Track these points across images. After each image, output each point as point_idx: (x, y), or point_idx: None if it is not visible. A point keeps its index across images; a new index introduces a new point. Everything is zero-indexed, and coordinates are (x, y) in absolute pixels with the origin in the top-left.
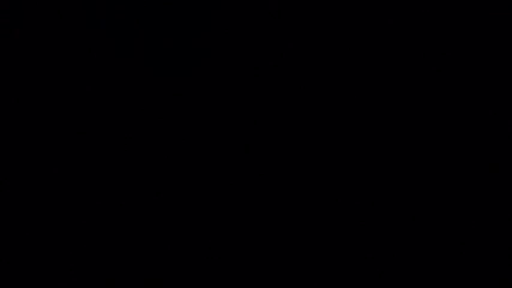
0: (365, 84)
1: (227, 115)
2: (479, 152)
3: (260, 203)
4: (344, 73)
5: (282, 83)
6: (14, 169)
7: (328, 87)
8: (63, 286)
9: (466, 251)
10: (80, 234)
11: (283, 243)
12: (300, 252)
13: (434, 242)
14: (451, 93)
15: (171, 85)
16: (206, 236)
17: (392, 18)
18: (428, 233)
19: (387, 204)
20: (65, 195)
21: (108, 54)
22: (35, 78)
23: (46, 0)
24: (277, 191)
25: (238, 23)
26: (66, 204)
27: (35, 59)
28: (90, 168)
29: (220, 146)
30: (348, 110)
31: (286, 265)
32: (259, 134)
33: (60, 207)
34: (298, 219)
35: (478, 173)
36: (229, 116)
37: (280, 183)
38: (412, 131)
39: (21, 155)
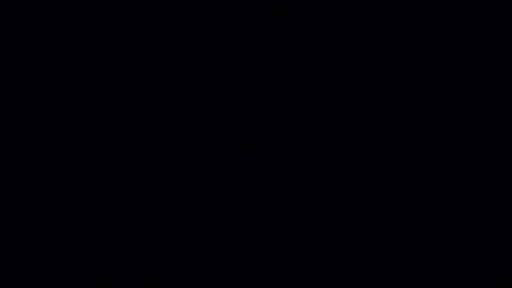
0: (365, 84)
1: (227, 115)
2: (479, 152)
3: (260, 203)
4: (344, 73)
5: (282, 83)
6: (14, 169)
7: (328, 87)
8: (63, 286)
9: (466, 251)
10: (80, 234)
11: (283, 244)
12: (299, 253)
13: (434, 242)
14: (451, 93)
15: (171, 85)
16: (206, 236)
17: (392, 18)
18: (428, 233)
19: (387, 205)
20: (65, 195)
21: (108, 54)
22: (35, 78)
23: (46, 0)
24: (277, 191)
25: (238, 23)
26: (66, 204)
27: (35, 59)
28: (90, 168)
29: (220, 146)
30: (348, 109)
31: (286, 265)
32: (259, 134)
33: (60, 207)
34: (298, 220)
35: (478, 173)
36: (229, 116)
37: (280, 183)
38: (412, 131)
39: (21, 155)
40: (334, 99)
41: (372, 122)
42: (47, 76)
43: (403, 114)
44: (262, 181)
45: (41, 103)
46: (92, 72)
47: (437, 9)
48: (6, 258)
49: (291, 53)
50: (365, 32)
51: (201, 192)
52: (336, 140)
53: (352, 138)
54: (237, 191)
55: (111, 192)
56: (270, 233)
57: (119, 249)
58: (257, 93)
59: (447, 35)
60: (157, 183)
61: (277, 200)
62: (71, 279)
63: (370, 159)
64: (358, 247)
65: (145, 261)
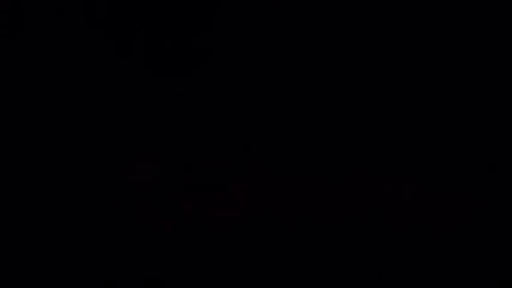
0: (365, 84)
1: (227, 115)
2: (479, 151)
3: (260, 203)
4: (344, 73)
5: (281, 83)
6: (14, 169)
7: (328, 87)
8: (63, 286)
9: (466, 251)
10: (79, 234)
11: (282, 244)
12: (300, 253)
13: (435, 243)
14: (451, 93)
15: (171, 85)
16: (206, 236)
17: (392, 18)
18: (428, 233)
19: (387, 204)
20: (65, 195)
21: (108, 54)
22: (35, 78)
23: (46, 0)
24: (277, 190)
25: (238, 23)
26: (66, 204)
27: (35, 59)
28: (90, 168)
29: (220, 145)
30: (348, 110)
31: (286, 265)
32: (259, 133)
33: (60, 207)
34: (297, 219)
35: (477, 172)
36: (229, 115)
37: (279, 183)
38: (412, 131)
39: (21, 155)
40: (333, 99)
41: (371, 122)
42: (47, 76)
43: (403, 114)
44: (262, 180)
45: (41, 103)
46: (92, 72)
47: (437, 9)
48: (6, 258)
49: (291, 53)
50: (365, 32)
51: (200, 191)
52: (336, 140)
53: (352, 138)
54: (237, 190)
55: (111, 192)
56: (269, 233)
57: (119, 249)
58: (257, 93)
59: (447, 35)
60: (157, 183)
61: (277, 199)
62: (71, 279)
63: (370, 159)
64: (358, 247)
65: (145, 261)
